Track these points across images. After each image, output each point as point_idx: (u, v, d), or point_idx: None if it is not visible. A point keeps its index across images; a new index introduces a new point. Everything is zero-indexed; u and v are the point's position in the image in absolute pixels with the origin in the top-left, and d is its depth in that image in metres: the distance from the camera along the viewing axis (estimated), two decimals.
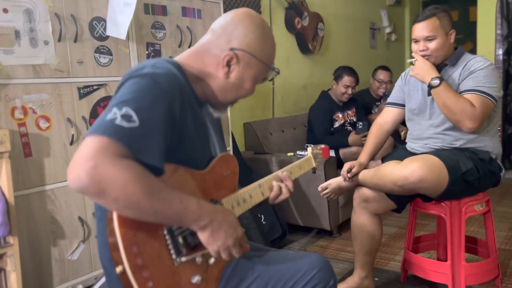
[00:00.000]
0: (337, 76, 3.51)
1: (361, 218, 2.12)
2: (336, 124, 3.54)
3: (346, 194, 2.83)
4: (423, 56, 1.93)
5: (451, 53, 1.97)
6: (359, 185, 2.12)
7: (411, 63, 1.97)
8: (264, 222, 2.82)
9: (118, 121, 0.87)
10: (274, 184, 1.28)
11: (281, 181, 1.31)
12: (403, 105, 2.18)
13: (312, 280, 1.10)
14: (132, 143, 0.86)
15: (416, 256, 2.15)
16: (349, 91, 3.47)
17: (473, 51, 4.73)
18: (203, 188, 1.08)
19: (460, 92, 1.89)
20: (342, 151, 3.41)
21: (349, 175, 2.10)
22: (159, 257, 0.94)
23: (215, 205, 0.98)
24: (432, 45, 1.91)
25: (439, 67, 1.98)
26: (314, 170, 1.63)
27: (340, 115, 3.56)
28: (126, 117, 0.88)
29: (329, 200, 2.40)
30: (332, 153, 3.42)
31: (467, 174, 1.84)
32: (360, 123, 3.48)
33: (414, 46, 1.97)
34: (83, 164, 0.81)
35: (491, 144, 1.94)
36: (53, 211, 1.86)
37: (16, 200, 1.67)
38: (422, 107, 2.04)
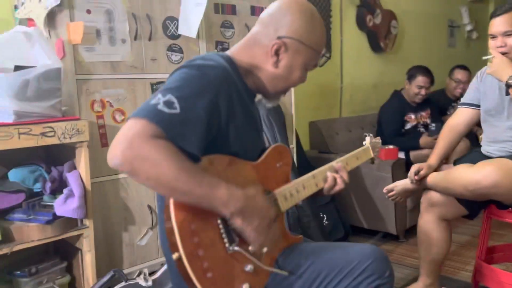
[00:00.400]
0: (411, 75, 3.37)
1: (428, 223, 2.03)
2: (408, 126, 3.41)
3: (414, 197, 2.72)
4: (501, 52, 1.81)
5: None
6: (427, 188, 2.03)
7: (488, 60, 1.85)
8: (326, 222, 2.79)
9: (160, 106, 0.92)
10: (329, 175, 1.26)
11: (336, 172, 1.28)
12: (478, 106, 2.05)
13: (366, 270, 1.07)
14: (170, 128, 0.91)
15: (490, 267, 2.02)
16: (423, 91, 3.32)
17: None
18: (255, 179, 1.10)
19: None
20: (412, 154, 3.27)
21: (416, 177, 2.01)
22: (213, 245, 0.97)
23: (246, 191, 0.97)
24: (511, 41, 1.78)
25: None
26: (372, 161, 1.59)
27: (413, 116, 3.42)
28: (168, 103, 0.93)
29: (395, 202, 2.32)
30: (402, 155, 3.29)
31: None
32: (433, 125, 3.32)
33: (492, 42, 1.85)
34: (120, 143, 0.88)
35: None
36: (125, 199, 1.99)
37: (93, 186, 1.80)
38: (499, 107, 1.91)
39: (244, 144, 1.09)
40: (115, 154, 0.88)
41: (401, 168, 2.87)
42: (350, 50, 3.76)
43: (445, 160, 2.56)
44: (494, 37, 1.84)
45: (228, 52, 1.19)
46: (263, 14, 1.17)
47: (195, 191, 0.91)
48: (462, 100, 2.14)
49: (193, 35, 2.09)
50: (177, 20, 2.12)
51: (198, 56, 1.09)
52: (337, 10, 3.58)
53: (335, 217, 2.83)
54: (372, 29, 3.81)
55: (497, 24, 1.81)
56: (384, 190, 2.19)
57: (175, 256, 0.92)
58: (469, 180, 1.74)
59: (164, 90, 0.97)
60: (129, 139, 0.88)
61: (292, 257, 1.13)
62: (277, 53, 1.12)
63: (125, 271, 1.97)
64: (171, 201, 0.93)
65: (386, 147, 2.91)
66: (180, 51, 2.15)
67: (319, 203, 2.81)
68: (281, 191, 1.15)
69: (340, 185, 1.26)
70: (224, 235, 0.99)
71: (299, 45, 1.12)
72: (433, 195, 2.00)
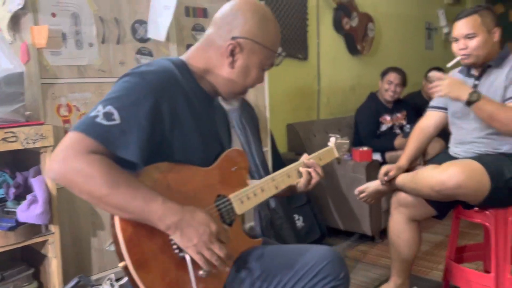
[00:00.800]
0: (383, 73, 3.42)
1: (397, 224, 2.05)
2: (383, 127, 3.44)
3: (389, 199, 2.74)
4: (462, 55, 1.84)
5: (496, 53, 1.86)
6: (397, 189, 2.05)
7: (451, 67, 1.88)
8: (302, 224, 2.80)
9: (99, 119, 0.94)
10: (303, 170, 1.29)
11: (308, 167, 1.31)
12: (445, 109, 2.08)
13: (321, 272, 1.08)
14: (109, 139, 0.92)
15: (458, 266, 2.04)
16: (392, 87, 3.34)
17: None
18: (208, 184, 1.10)
19: (508, 98, 1.77)
20: (388, 155, 3.30)
21: (386, 178, 2.04)
22: (162, 252, 0.97)
23: (184, 206, 0.97)
24: (473, 43, 1.82)
25: (482, 67, 1.87)
26: (338, 161, 1.60)
27: (388, 118, 3.45)
28: (107, 115, 0.94)
29: (367, 203, 2.34)
30: (378, 156, 3.32)
31: None
32: (408, 126, 3.36)
33: (454, 45, 1.88)
34: (57, 156, 0.90)
35: None
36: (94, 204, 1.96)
37: (60, 191, 1.78)
38: (465, 110, 1.93)
39: (194, 150, 1.08)
40: (50, 167, 0.91)
41: (376, 170, 2.87)
42: (327, 52, 3.78)
43: (424, 162, 2.59)
44: (456, 40, 1.87)
45: (183, 56, 1.18)
46: (216, 16, 1.16)
47: (128, 205, 0.91)
48: (431, 103, 2.17)
49: (162, 38, 2.09)
50: (146, 23, 2.11)
51: (144, 63, 1.10)
52: (313, 12, 3.60)
53: (311, 219, 2.84)
54: (349, 32, 3.84)
55: (459, 27, 1.84)
56: (356, 192, 2.21)
57: (121, 264, 0.91)
58: (434, 181, 1.76)
59: (104, 101, 0.97)
60: (64, 153, 0.90)
61: (249, 260, 1.13)
62: (232, 53, 1.12)
63: (94, 277, 1.96)
64: None
65: (361, 149, 2.94)
66: (150, 54, 2.14)
67: (294, 205, 2.82)
68: (237, 194, 1.15)
69: (315, 178, 1.30)
70: (173, 242, 0.99)
71: (253, 44, 1.11)
72: (402, 196, 2.02)
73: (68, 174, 0.89)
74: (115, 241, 0.93)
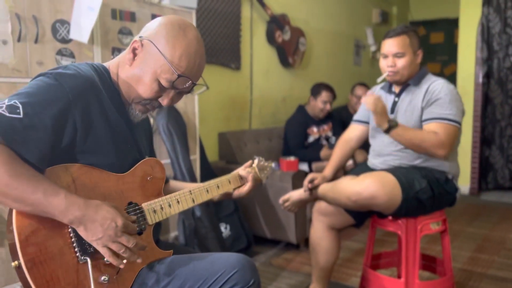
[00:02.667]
0: (315, 92, 3.54)
1: (318, 232, 2.12)
2: (311, 139, 3.56)
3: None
4: (390, 71, 1.94)
5: (416, 73, 1.99)
6: (319, 198, 2.12)
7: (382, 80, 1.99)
8: (229, 233, 2.81)
9: (1, 110, 0.90)
10: (248, 176, 1.40)
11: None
12: (367, 123, 2.19)
13: (231, 280, 1.08)
14: (8, 132, 0.88)
15: (373, 273, 2.14)
16: (327, 106, 3.50)
17: (456, 73, 4.78)
18: (120, 190, 1.08)
19: (425, 120, 1.91)
20: (315, 165, 3.41)
21: (310, 185, 2.10)
22: (61, 254, 0.93)
23: (88, 200, 0.95)
24: (401, 62, 1.93)
25: (402, 86, 2.00)
26: (260, 183, 1.62)
27: (315, 130, 3.58)
28: (11, 108, 0.90)
29: (291, 212, 2.39)
30: (305, 166, 3.43)
31: (420, 193, 1.84)
32: (334, 138, 3.50)
33: (383, 62, 1.98)
34: None
35: (448, 164, 1.95)
36: (1, 211, 1.84)
37: None
38: None
39: (106, 155, 1.06)
40: None
41: (302, 179, 2.94)
42: (260, 64, 3.85)
43: (344, 172, 2.70)
44: (386, 56, 1.98)
45: (107, 62, 1.16)
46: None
47: (27, 198, 0.87)
48: (354, 117, 2.29)
49: (85, 40, 2.01)
50: (69, 24, 2.02)
51: (63, 65, 1.06)
52: (247, 24, 3.66)
53: (238, 228, 2.85)
54: (281, 45, 3.94)
55: (389, 45, 1.95)
56: (280, 201, 2.26)
57: (14, 264, 0.87)
58: (350, 191, 1.84)
59: (12, 95, 0.94)
60: None
61: (156, 270, 1.11)
62: (134, 51, 1.10)
63: None
64: None
65: (287, 159, 3.02)
66: (72, 55, 2.05)
67: (222, 214, 2.82)
68: (150, 204, 1.13)
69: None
70: (75, 244, 0.95)
71: (152, 47, 1.07)
72: (322, 205, 2.09)
73: None
74: (10, 238, 0.89)
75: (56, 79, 0.99)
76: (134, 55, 1.10)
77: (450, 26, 6.24)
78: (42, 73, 1.01)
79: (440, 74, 1.88)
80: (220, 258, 1.13)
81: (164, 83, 1.09)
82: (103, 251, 0.95)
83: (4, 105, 0.90)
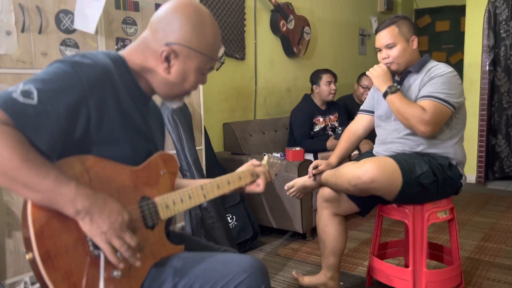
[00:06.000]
0: (315, 78, 3.54)
1: (323, 219, 2.12)
2: (317, 128, 3.54)
3: None
4: (386, 63, 1.95)
5: (416, 60, 1.98)
6: (323, 185, 2.12)
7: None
8: (235, 223, 2.81)
9: (16, 94, 0.88)
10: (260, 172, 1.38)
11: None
12: (373, 113, 2.18)
13: (241, 285, 1.05)
14: (21, 118, 0.86)
15: (380, 262, 2.14)
16: (333, 86, 3.51)
17: (462, 61, 4.73)
18: (134, 184, 1.06)
19: (418, 98, 1.90)
20: (320, 155, 3.40)
21: (314, 171, 2.10)
22: (75, 248, 0.92)
23: (96, 192, 0.94)
24: (393, 52, 1.94)
25: (403, 74, 1.99)
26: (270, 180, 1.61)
27: (321, 119, 3.56)
28: (25, 93, 0.88)
29: (296, 198, 2.39)
30: (310, 156, 3.41)
31: (422, 177, 1.83)
32: (340, 128, 3.47)
33: (379, 55, 2.00)
34: None
35: (452, 150, 1.94)
36: (9, 202, 1.84)
37: None
38: (388, 113, 2.04)
39: (121, 147, 1.04)
40: None
41: (307, 169, 2.96)
42: (264, 53, 3.82)
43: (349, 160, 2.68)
44: (380, 50, 1.99)
45: (122, 52, 1.14)
46: (153, 19, 1.13)
47: (38, 184, 0.86)
48: (361, 107, 2.28)
49: (91, 30, 2.00)
50: (73, 14, 2.01)
51: (80, 53, 1.04)
52: (251, 13, 3.63)
53: (244, 218, 2.85)
54: (285, 34, 3.91)
55: (380, 38, 1.96)
56: (285, 187, 2.26)
57: (28, 256, 0.86)
58: (351, 175, 1.84)
59: (27, 80, 0.92)
60: None
61: (168, 267, 1.09)
62: (167, 59, 1.09)
63: (9, 281, 1.83)
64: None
65: (293, 149, 3.00)
66: (76, 46, 2.04)
67: (228, 204, 2.82)
68: (163, 198, 1.12)
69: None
70: (88, 238, 0.94)
71: (189, 51, 1.09)
72: (326, 192, 2.09)
73: None
74: (25, 231, 0.88)
75: (73, 67, 0.96)
76: (168, 61, 1.10)
77: (456, 13, 6.16)
78: (59, 60, 0.99)
79: (445, 62, 1.87)
80: (233, 260, 1.10)
81: (206, 72, 1.16)
82: (105, 247, 0.92)
83: (19, 90, 0.88)
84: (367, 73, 2.01)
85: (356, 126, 2.25)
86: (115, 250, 0.94)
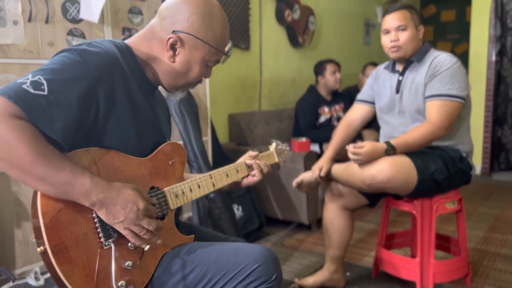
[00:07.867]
0: (320, 69, 3.53)
1: (331, 213, 2.10)
2: (322, 119, 3.52)
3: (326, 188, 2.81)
4: (393, 47, 1.91)
5: (418, 49, 1.95)
6: (332, 179, 2.10)
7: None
8: (241, 214, 2.81)
9: (26, 85, 0.87)
10: (254, 166, 1.34)
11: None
12: (372, 103, 2.15)
13: (253, 274, 1.05)
14: (32, 109, 0.85)
15: (387, 252, 2.14)
16: (338, 75, 3.51)
17: (467, 51, 4.70)
18: (142, 174, 1.06)
19: (427, 97, 1.87)
20: (326, 146, 3.38)
21: (322, 174, 2.06)
22: (86, 239, 0.92)
23: (110, 183, 0.94)
24: (404, 36, 1.90)
25: (405, 64, 1.96)
26: (277, 166, 1.61)
27: (327, 110, 3.54)
28: (35, 84, 0.87)
29: (304, 192, 2.38)
30: (316, 147, 3.40)
31: (436, 173, 1.82)
32: None
33: (385, 38, 1.95)
34: None
35: (461, 142, 1.93)
36: (17, 193, 1.84)
37: None
38: (391, 105, 2.02)
39: (128, 137, 1.03)
40: None
41: (313, 160, 2.95)
42: (269, 43, 3.80)
43: None
44: (387, 32, 1.93)
45: (128, 41, 1.13)
46: (162, 6, 1.12)
47: (53, 177, 0.85)
48: (358, 96, 2.22)
49: (95, 19, 1.98)
50: (79, 3, 1.99)
51: (87, 41, 1.03)
52: (256, 3, 3.60)
53: (250, 209, 2.86)
54: (290, 24, 3.88)
55: (391, 19, 1.91)
56: (293, 184, 2.24)
57: (39, 249, 0.86)
58: (365, 174, 1.82)
59: (36, 71, 0.90)
60: None
61: (178, 257, 1.09)
62: (173, 47, 1.09)
63: (18, 271, 1.84)
64: (39, 192, 0.88)
65: (299, 140, 2.99)
66: (82, 36, 2.02)
67: (234, 195, 2.82)
68: (172, 188, 1.12)
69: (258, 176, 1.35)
70: (99, 229, 0.94)
71: (196, 40, 1.09)
72: (336, 186, 2.08)
73: None
74: (35, 223, 0.87)
75: (81, 55, 0.95)
76: (174, 50, 1.09)
77: (462, 3, 6.11)
78: (66, 49, 0.98)
79: (451, 53, 1.84)
80: (244, 250, 1.10)
81: (211, 64, 1.14)
82: (125, 232, 0.95)
83: (28, 81, 0.87)
84: (352, 159, 1.84)
85: (353, 116, 2.19)
86: (135, 234, 0.95)
